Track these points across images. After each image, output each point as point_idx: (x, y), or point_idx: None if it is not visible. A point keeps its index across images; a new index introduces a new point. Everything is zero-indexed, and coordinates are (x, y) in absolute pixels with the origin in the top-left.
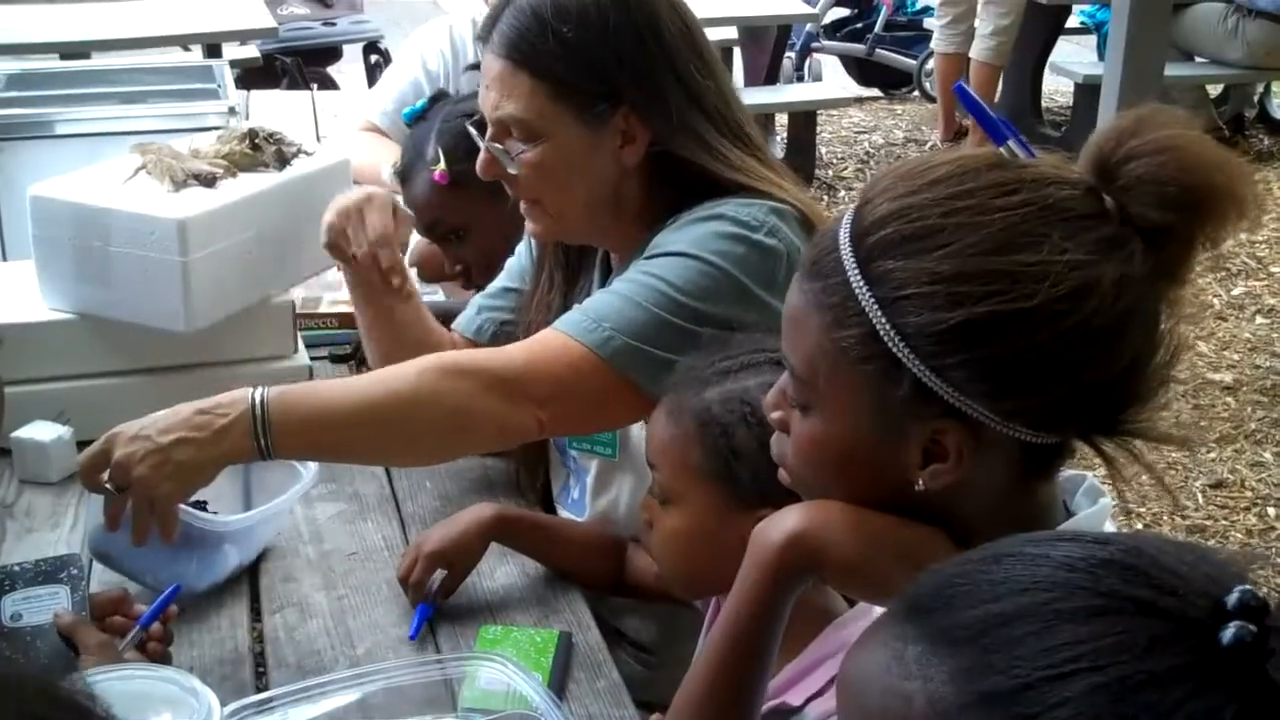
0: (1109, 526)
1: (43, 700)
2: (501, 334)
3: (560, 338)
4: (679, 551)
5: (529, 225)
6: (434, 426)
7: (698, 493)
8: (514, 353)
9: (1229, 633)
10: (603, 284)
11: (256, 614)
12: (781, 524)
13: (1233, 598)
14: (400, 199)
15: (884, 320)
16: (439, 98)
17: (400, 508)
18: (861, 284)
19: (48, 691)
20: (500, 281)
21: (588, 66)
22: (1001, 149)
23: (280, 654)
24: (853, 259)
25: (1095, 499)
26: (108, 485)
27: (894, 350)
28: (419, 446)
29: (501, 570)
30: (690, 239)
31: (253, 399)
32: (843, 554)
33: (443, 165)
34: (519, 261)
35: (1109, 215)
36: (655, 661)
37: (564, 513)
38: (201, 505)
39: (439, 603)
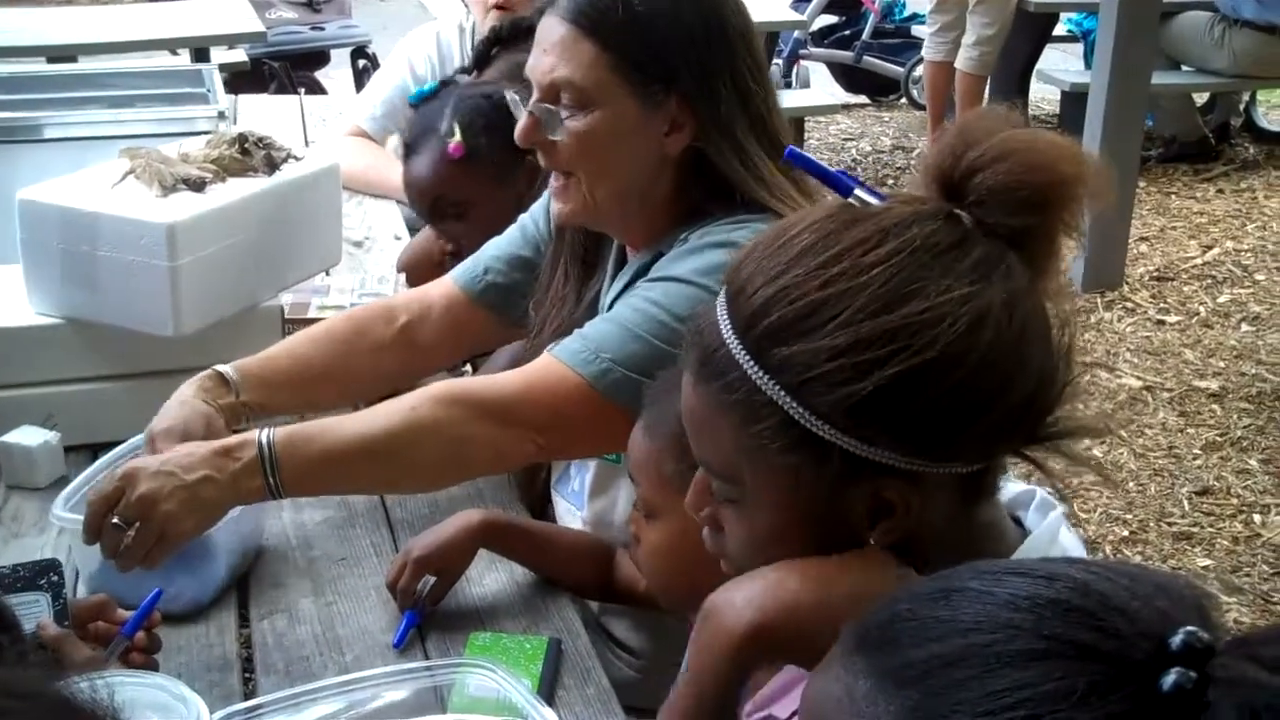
0: (1063, 535)
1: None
2: (509, 299)
3: (559, 368)
4: (662, 565)
5: (555, 207)
6: (434, 456)
7: (677, 506)
8: (512, 381)
9: (1168, 679)
10: (615, 277)
11: (244, 620)
12: (739, 612)
13: (1176, 639)
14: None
15: (797, 406)
16: (449, 82)
17: (389, 514)
18: (763, 376)
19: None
20: (511, 247)
21: (653, 45)
22: (850, 200)
23: (269, 660)
24: (745, 353)
25: (1046, 513)
26: (115, 521)
27: (816, 431)
28: (421, 476)
29: (490, 577)
30: (697, 267)
31: (259, 442)
32: (807, 644)
33: (458, 137)
34: (534, 227)
35: (972, 235)
36: (644, 666)
37: (562, 503)
38: None
39: (427, 609)
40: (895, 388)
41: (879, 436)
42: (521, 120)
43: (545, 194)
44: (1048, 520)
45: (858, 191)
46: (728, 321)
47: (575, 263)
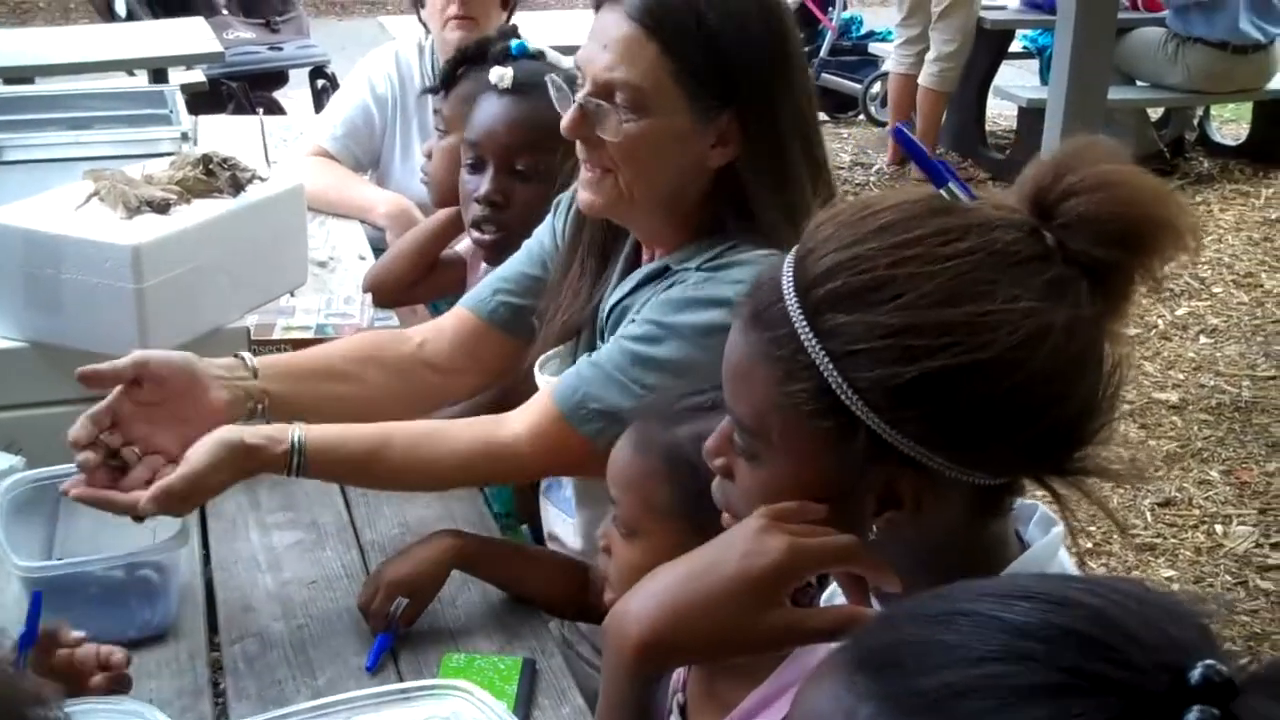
0: (1062, 554)
1: None
2: (521, 320)
3: (556, 421)
4: (633, 582)
5: (583, 196)
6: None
7: (662, 530)
8: (518, 430)
9: (1192, 716)
10: (626, 274)
11: (215, 644)
12: (627, 628)
13: (1196, 674)
14: None
15: (837, 375)
16: (540, 54)
17: (359, 535)
18: (812, 338)
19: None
20: (519, 266)
21: (718, 59)
22: (941, 191)
23: (240, 685)
24: (800, 312)
25: (1047, 529)
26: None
27: (849, 404)
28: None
29: (463, 597)
30: (695, 325)
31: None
32: (701, 643)
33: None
34: (539, 247)
35: (1052, 255)
36: None
37: (551, 509)
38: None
39: (400, 631)
40: (939, 380)
41: (910, 425)
42: (570, 111)
43: (550, 216)
44: (1048, 537)
45: (951, 184)
46: (790, 279)
47: (594, 256)
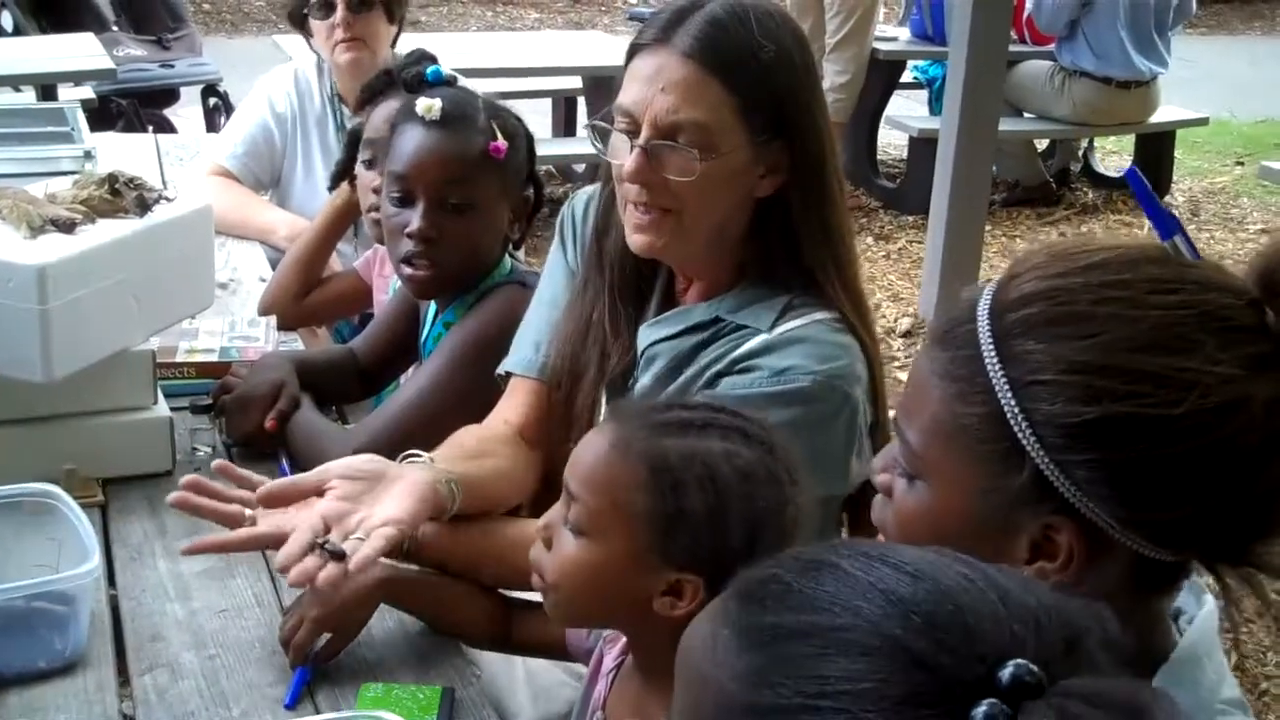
0: (1215, 641)
1: None
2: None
3: None
4: (581, 582)
5: (639, 240)
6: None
7: (624, 535)
8: None
9: (980, 710)
10: (660, 309)
11: (124, 675)
12: None
13: (1005, 672)
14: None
15: (1013, 403)
16: (453, 80)
17: (269, 563)
18: (995, 361)
19: None
20: (550, 315)
21: (773, 92)
22: (1167, 245)
23: (152, 717)
24: (989, 334)
25: (1198, 596)
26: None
27: (1019, 436)
28: None
29: (379, 626)
30: (782, 425)
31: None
32: None
33: (501, 140)
34: (554, 290)
35: (1269, 332)
36: None
37: None
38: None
39: (320, 666)
40: (1118, 426)
41: (1079, 470)
42: (633, 157)
43: (561, 253)
44: (1203, 620)
45: (1176, 238)
46: (988, 301)
47: (629, 299)
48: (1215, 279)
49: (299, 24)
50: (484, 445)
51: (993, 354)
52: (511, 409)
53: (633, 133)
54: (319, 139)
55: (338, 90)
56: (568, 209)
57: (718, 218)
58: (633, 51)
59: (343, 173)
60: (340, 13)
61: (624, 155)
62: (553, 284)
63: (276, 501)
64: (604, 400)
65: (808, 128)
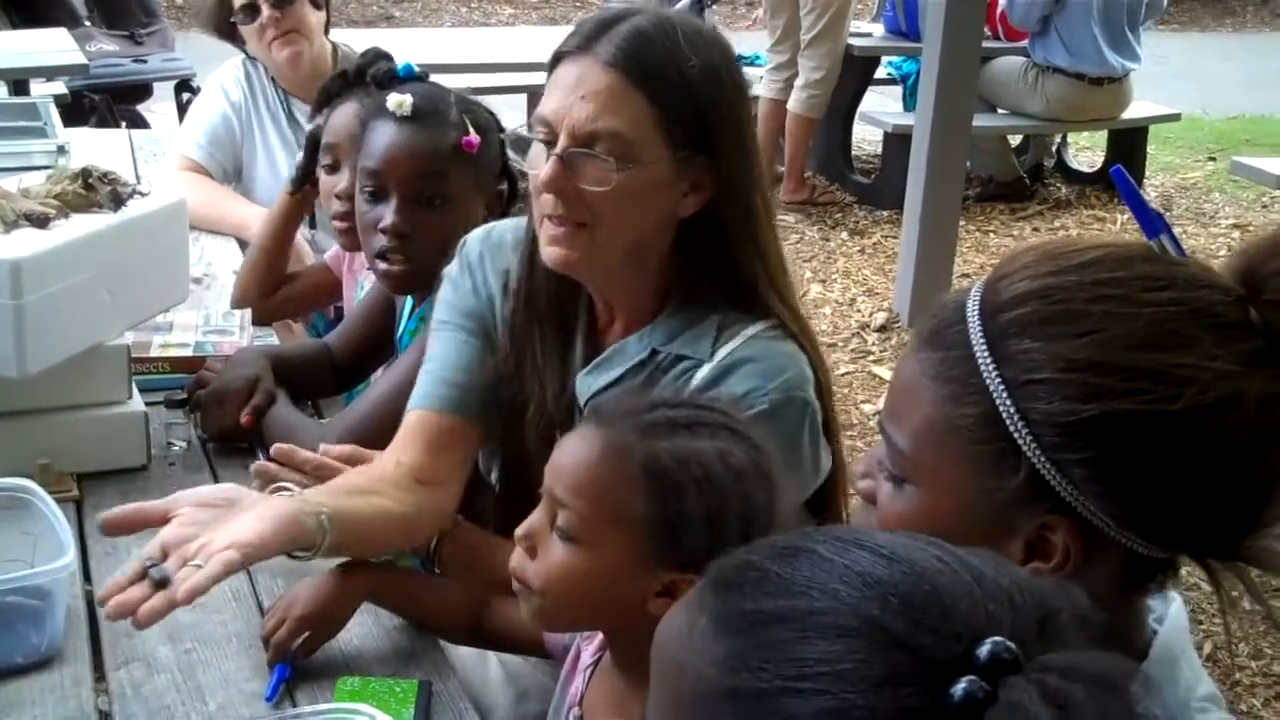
0: (1187, 639)
1: None
2: (483, 402)
3: None
4: (574, 589)
5: (554, 252)
6: None
7: (618, 540)
8: None
9: (959, 687)
10: (587, 349)
11: (100, 670)
12: None
13: (983, 649)
14: None
15: (1009, 403)
16: (425, 76)
17: None
18: (989, 362)
19: None
20: (452, 343)
21: (697, 107)
22: (1153, 243)
23: (128, 711)
24: (981, 334)
25: (1165, 595)
26: None
27: (1015, 436)
28: None
29: (356, 620)
30: None
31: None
32: None
33: (474, 134)
34: (465, 308)
35: (1255, 328)
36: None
37: None
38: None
39: (298, 662)
40: (1116, 424)
41: (1076, 469)
42: (549, 165)
43: (461, 275)
44: (1174, 618)
45: (1162, 237)
46: (977, 301)
47: (552, 326)
48: (1204, 276)
49: (229, 34)
50: (371, 484)
51: (986, 354)
52: (407, 449)
53: (551, 142)
54: (274, 128)
55: (281, 85)
56: (465, 250)
57: (635, 234)
58: (555, 60)
59: (304, 176)
60: (266, 11)
61: (542, 165)
62: (454, 305)
63: (120, 530)
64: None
65: (734, 145)
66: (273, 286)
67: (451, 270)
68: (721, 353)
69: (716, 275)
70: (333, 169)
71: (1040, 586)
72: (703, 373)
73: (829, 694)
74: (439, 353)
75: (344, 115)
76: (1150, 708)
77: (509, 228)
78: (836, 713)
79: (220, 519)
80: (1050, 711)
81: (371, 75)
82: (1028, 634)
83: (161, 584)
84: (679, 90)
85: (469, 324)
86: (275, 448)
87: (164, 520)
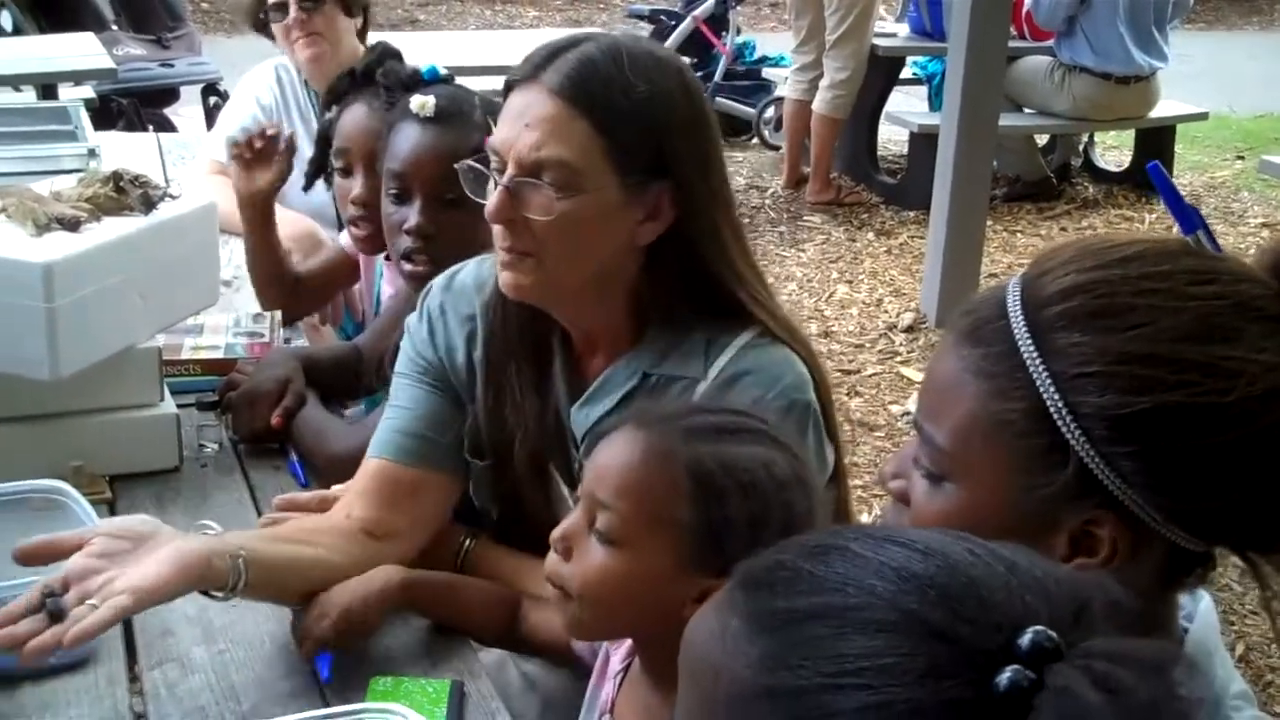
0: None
1: None
2: (442, 450)
3: None
4: (612, 593)
5: (506, 278)
6: None
7: (659, 545)
8: None
9: (1004, 677)
10: (570, 379)
11: (134, 671)
12: None
13: (1025, 639)
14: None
15: (1057, 397)
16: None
17: None
18: (1035, 356)
19: None
20: (408, 392)
21: (647, 132)
22: (1189, 239)
23: (163, 712)
24: (1026, 330)
25: (1194, 592)
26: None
27: (1063, 430)
28: None
29: (387, 621)
30: None
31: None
32: None
33: None
34: (422, 361)
35: None
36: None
37: None
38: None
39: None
40: (1169, 416)
41: (1126, 462)
42: (495, 195)
43: (421, 326)
44: (1203, 613)
45: (1199, 232)
46: (1018, 296)
47: (525, 356)
48: (1244, 271)
49: (262, 29)
50: (305, 534)
51: (1032, 348)
52: (361, 502)
53: (500, 171)
54: (305, 130)
55: (312, 88)
56: (427, 300)
57: (587, 262)
58: (507, 89)
59: (316, 172)
60: (293, 12)
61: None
62: (412, 357)
63: (33, 561)
64: (550, 468)
65: (693, 168)
66: (280, 280)
67: (410, 320)
68: (715, 369)
69: (692, 294)
70: (346, 173)
71: (1073, 576)
72: (701, 390)
73: (871, 689)
74: (399, 402)
75: (354, 117)
76: (1195, 690)
77: (470, 272)
78: (880, 707)
79: (132, 554)
80: (1100, 696)
81: (381, 74)
82: (1064, 623)
83: (56, 617)
84: (627, 116)
85: (425, 376)
86: (278, 499)
87: (77, 550)
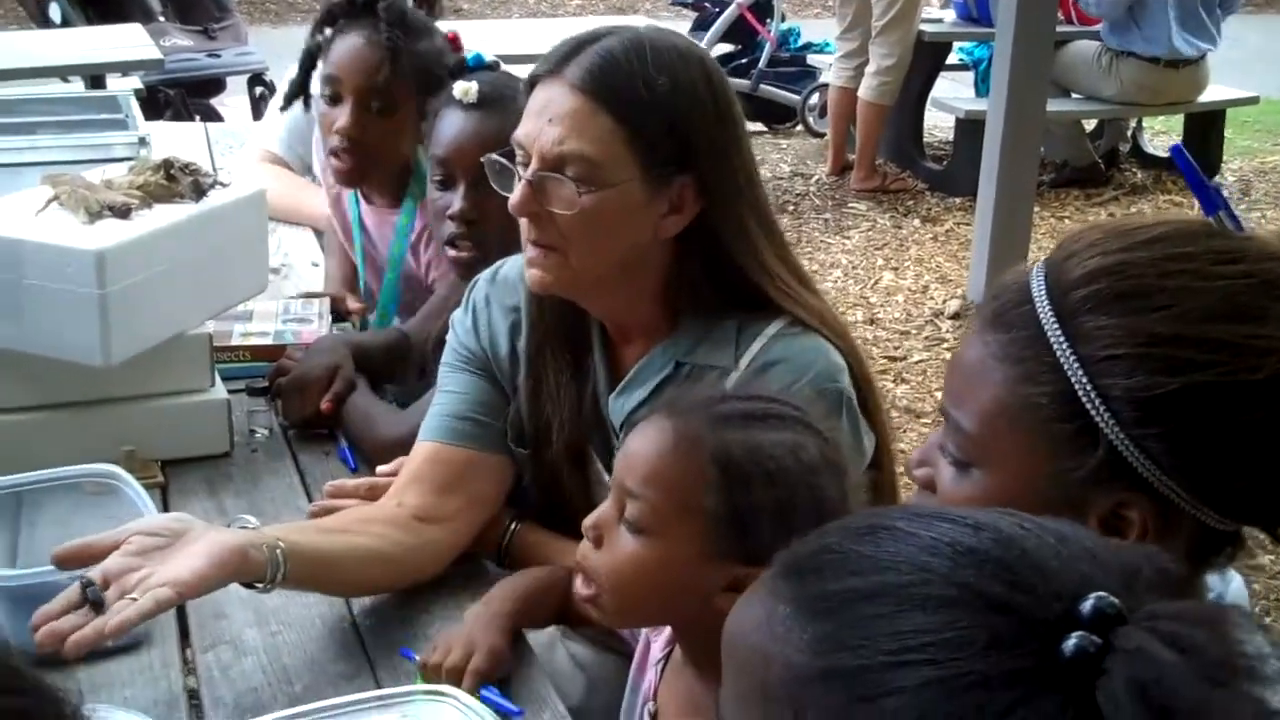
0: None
1: None
2: (493, 432)
3: None
4: (641, 581)
5: (533, 274)
6: None
7: (685, 532)
8: None
9: (1070, 643)
10: (608, 368)
11: (188, 652)
12: None
13: (1087, 605)
14: None
15: (1085, 380)
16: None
17: None
18: (1062, 340)
19: None
20: (456, 376)
21: (670, 125)
22: (1212, 219)
23: (216, 693)
24: (1052, 313)
25: (1224, 574)
26: None
27: (1092, 413)
28: None
29: (438, 602)
30: None
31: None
32: None
33: None
34: (465, 350)
35: None
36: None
37: None
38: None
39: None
40: (1198, 396)
41: (1156, 444)
42: (519, 189)
43: (466, 317)
44: (1234, 594)
45: (1221, 213)
46: (1043, 280)
47: (562, 346)
48: (1269, 250)
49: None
50: (350, 524)
51: (1059, 332)
52: (411, 489)
53: (525, 165)
54: None
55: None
56: (473, 293)
57: (612, 255)
58: (530, 84)
59: (295, 93)
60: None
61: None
62: (456, 348)
63: (72, 563)
64: (593, 456)
65: (718, 160)
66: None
67: (456, 314)
68: (746, 358)
69: (721, 284)
70: (334, 100)
71: (1121, 546)
72: (733, 380)
73: (935, 663)
74: (448, 388)
75: (348, 46)
76: (1260, 645)
77: (514, 265)
78: (943, 681)
79: (167, 550)
80: (1173, 654)
81: (383, 8)
82: (1119, 590)
83: (97, 606)
84: (649, 110)
85: (469, 366)
86: (328, 486)
87: (114, 550)
